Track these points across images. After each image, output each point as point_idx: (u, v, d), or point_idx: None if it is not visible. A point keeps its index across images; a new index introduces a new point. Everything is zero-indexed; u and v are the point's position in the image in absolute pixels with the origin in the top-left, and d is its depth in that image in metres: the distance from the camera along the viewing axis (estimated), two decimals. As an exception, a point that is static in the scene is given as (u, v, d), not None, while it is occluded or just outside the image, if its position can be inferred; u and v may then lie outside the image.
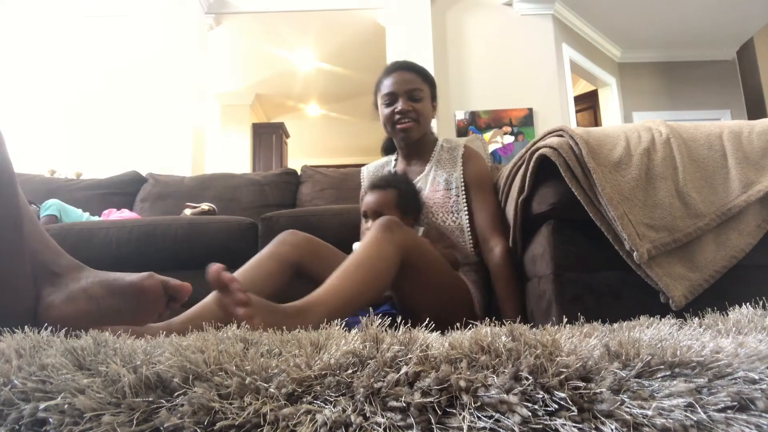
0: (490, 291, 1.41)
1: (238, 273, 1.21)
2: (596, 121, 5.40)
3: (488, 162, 1.55)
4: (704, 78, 5.44)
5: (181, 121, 3.93)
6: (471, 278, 1.41)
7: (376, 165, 1.68)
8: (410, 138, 1.46)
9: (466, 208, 1.42)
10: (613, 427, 0.35)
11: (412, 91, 1.42)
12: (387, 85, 1.45)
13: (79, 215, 2.27)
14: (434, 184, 1.46)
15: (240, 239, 1.92)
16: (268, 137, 6.30)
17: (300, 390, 0.39)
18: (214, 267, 0.80)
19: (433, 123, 1.62)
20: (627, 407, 0.36)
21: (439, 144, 1.53)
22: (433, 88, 1.52)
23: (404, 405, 0.36)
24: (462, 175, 1.44)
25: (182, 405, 0.37)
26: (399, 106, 1.42)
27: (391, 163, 1.63)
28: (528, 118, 4.16)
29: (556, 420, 0.36)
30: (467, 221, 1.42)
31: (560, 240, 1.09)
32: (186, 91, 3.99)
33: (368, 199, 1.38)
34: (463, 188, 1.44)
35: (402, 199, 1.36)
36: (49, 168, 3.91)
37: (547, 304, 1.10)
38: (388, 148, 1.67)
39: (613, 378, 0.39)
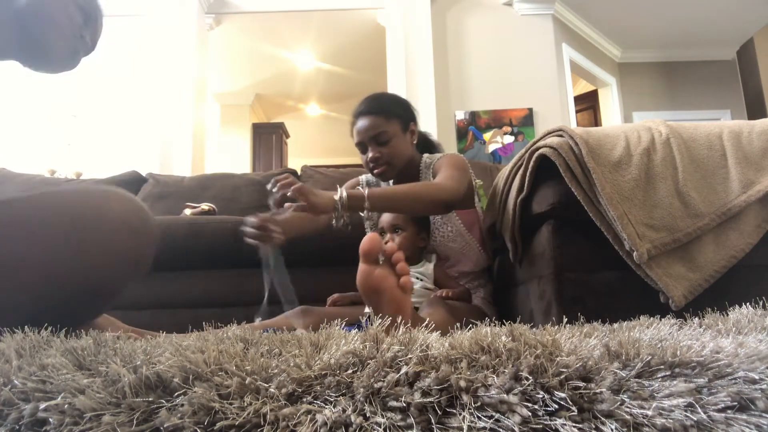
0: (500, 305, 1.45)
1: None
2: (596, 121, 5.40)
3: (471, 173, 1.49)
4: (704, 78, 5.44)
5: (181, 121, 3.93)
6: (480, 295, 1.45)
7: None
8: (388, 179, 1.48)
9: (455, 213, 1.43)
10: (613, 427, 0.35)
11: (376, 136, 1.40)
12: (355, 134, 1.44)
13: (79, 215, 2.27)
14: None
15: (240, 239, 1.92)
16: (268, 137, 6.30)
17: (300, 390, 0.39)
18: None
19: (434, 125, 1.62)
20: (627, 407, 0.36)
21: (423, 164, 1.49)
22: (403, 117, 1.46)
23: (404, 405, 0.36)
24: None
25: (182, 405, 0.37)
26: (369, 154, 1.41)
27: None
28: (528, 118, 4.16)
29: (556, 420, 0.36)
30: (461, 225, 1.44)
31: (560, 240, 1.09)
32: (186, 91, 3.99)
33: (384, 217, 1.43)
34: None
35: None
36: (49, 168, 3.91)
37: (547, 304, 1.10)
38: None
39: (613, 378, 0.39)
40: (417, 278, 1.36)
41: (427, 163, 1.48)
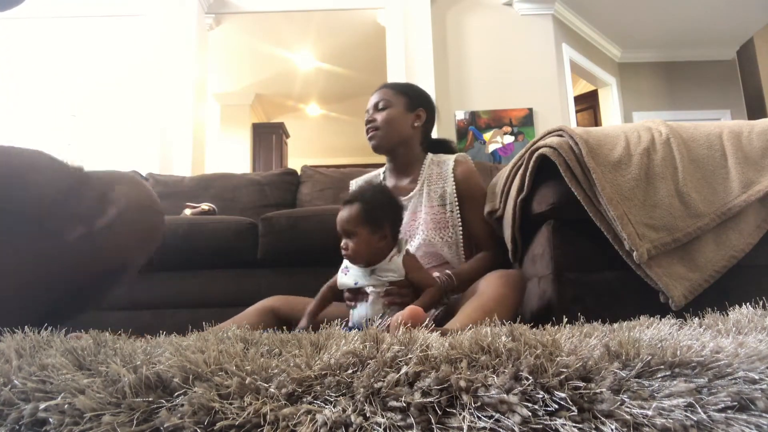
0: None
1: (229, 321, 1.30)
2: (596, 121, 5.40)
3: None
4: (704, 78, 5.44)
5: (181, 121, 3.93)
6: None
7: (365, 178, 1.66)
8: (376, 146, 1.51)
9: (460, 223, 1.40)
10: (613, 427, 0.35)
11: (377, 102, 1.51)
12: None
13: (79, 215, 2.26)
14: (429, 200, 1.43)
15: (240, 239, 1.92)
16: (268, 137, 6.30)
17: (300, 390, 0.39)
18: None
19: (434, 127, 1.62)
20: (627, 407, 0.36)
21: (427, 160, 1.51)
22: (413, 99, 1.52)
23: (404, 405, 0.36)
24: (455, 190, 1.43)
25: (182, 405, 0.37)
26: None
27: (380, 176, 1.61)
28: (528, 118, 4.15)
29: (556, 420, 0.35)
30: (461, 236, 1.39)
31: (560, 240, 1.09)
32: (186, 91, 3.99)
33: (339, 216, 1.23)
34: (456, 203, 1.41)
35: (367, 213, 1.19)
36: (49, 168, 3.90)
37: (547, 304, 1.10)
38: None
39: (613, 378, 0.39)
40: (390, 276, 1.18)
41: (435, 161, 1.51)
